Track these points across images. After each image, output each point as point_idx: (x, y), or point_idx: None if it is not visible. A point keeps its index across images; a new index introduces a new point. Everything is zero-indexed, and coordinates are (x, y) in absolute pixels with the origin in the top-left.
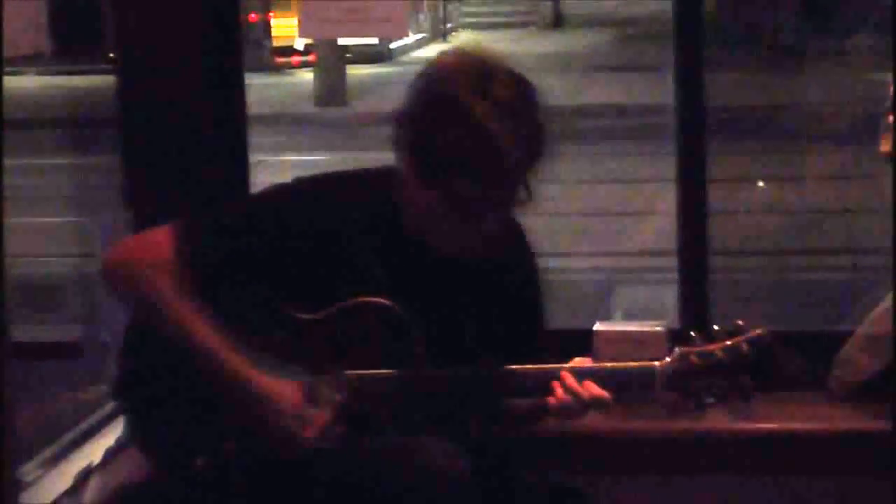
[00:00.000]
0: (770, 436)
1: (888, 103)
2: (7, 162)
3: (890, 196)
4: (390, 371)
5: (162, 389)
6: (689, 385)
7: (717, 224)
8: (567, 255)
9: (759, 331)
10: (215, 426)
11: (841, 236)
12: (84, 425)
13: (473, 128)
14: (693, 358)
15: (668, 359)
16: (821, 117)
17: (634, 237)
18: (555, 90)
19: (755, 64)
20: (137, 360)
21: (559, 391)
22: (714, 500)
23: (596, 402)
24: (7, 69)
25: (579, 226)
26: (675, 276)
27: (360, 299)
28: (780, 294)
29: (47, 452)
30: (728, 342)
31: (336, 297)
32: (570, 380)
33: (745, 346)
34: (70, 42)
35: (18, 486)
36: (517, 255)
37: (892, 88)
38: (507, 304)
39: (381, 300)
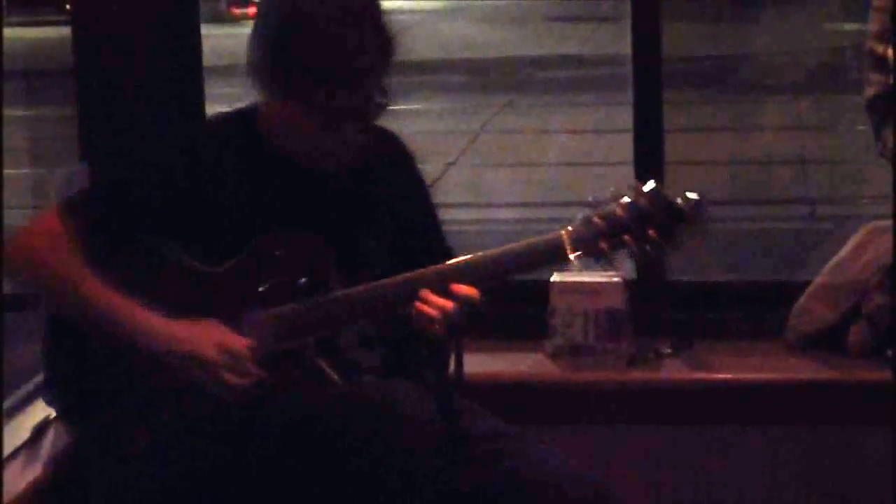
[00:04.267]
0: (727, 385)
1: (870, 45)
2: None
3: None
4: (304, 301)
5: (87, 371)
6: (598, 247)
7: (673, 174)
8: (525, 205)
9: (651, 183)
10: (147, 402)
11: (798, 186)
12: (40, 377)
13: (318, 33)
14: (596, 220)
15: (570, 227)
16: (777, 67)
17: (592, 188)
18: (512, 41)
19: (712, 13)
20: (60, 352)
21: (417, 304)
22: (671, 451)
23: (465, 301)
24: None
25: (538, 176)
26: None
27: (261, 237)
28: (738, 244)
29: (5, 405)
30: (625, 199)
31: (232, 240)
32: (428, 294)
33: (642, 200)
34: None
35: None
36: (395, 160)
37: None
38: (398, 209)
39: (279, 232)
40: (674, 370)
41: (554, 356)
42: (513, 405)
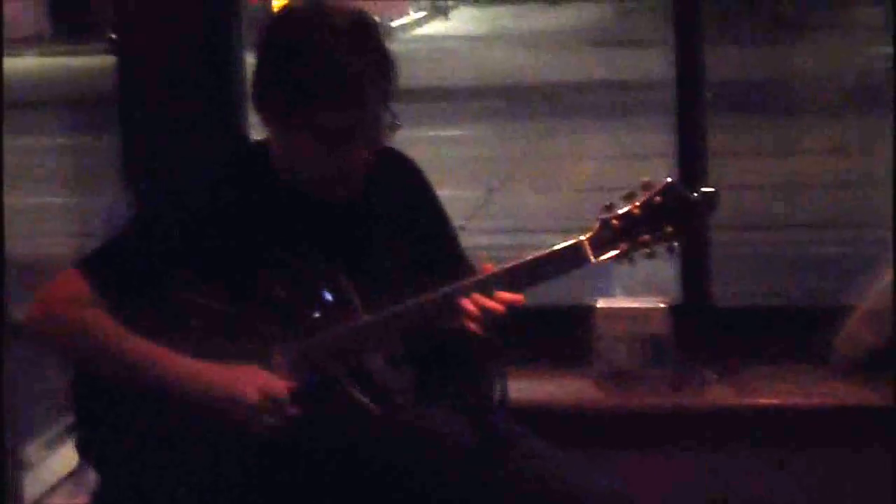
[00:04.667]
0: (773, 410)
1: None
2: (7, 142)
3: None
4: (331, 330)
5: (117, 417)
6: (618, 247)
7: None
8: (567, 231)
9: (667, 180)
10: (179, 450)
11: (841, 210)
12: None
13: (321, 55)
14: (614, 222)
15: (589, 234)
16: (820, 90)
17: None
18: (555, 66)
19: (754, 37)
20: (89, 410)
21: (465, 309)
22: (716, 475)
23: (511, 304)
24: (7, 51)
25: (578, 201)
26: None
27: (277, 271)
28: (781, 268)
29: (51, 433)
30: (642, 199)
31: (253, 278)
32: (470, 301)
33: (658, 198)
34: (70, 23)
35: (22, 467)
36: (404, 178)
37: None
38: (413, 231)
39: (300, 266)
40: (719, 395)
41: (598, 382)
42: (557, 431)
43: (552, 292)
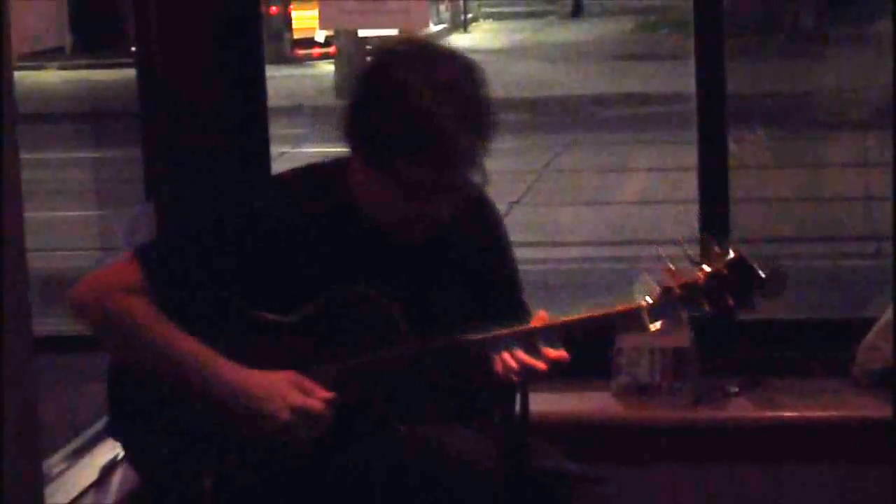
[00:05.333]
0: (795, 423)
1: None
2: (29, 156)
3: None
4: (374, 356)
5: (153, 414)
6: (676, 315)
7: (738, 211)
8: (590, 244)
9: (736, 253)
10: (212, 445)
11: (864, 223)
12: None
13: (417, 111)
14: (677, 291)
15: (650, 299)
16: (841, 104)
17: (658, 225)
18: (576, 80)
19: (775, 51)
20: (124, 387)
21: (498, 364)
22: (740, 489)
23: (555, 362)
24: (29, 64)
25: (602, 214)
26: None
27: (335, 291)
28: (803, 281)
29: (72, 446)
30: (708, 269)
31: (307, 294)
32: (512, 356)
33: (725, 270)
34: (91, 36)
35: (43, 480)
36: (479, 222)
37: None
38: (478, 274)
39: (355, 288)
40: (741, 409)
41: (620, 395)
42: (579, 444)
43: (574, 305)
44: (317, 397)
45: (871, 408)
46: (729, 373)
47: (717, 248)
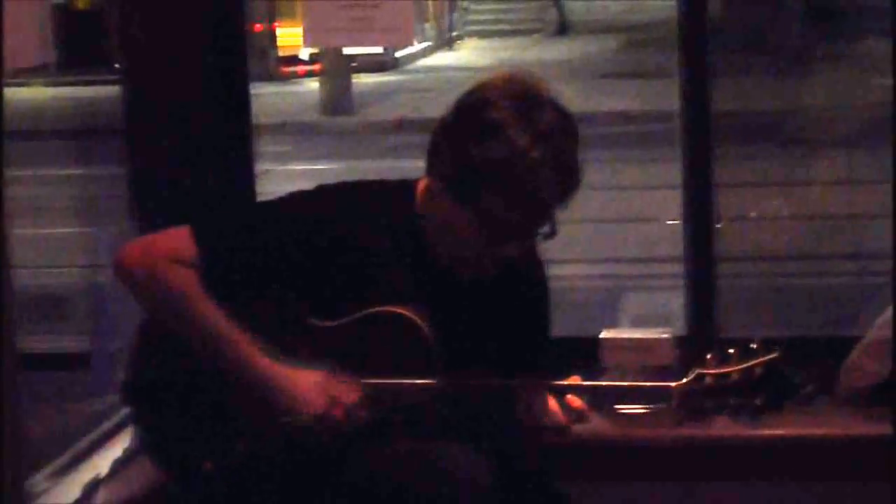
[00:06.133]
0: (778, 442)
1: None
2: (14, 173)
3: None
4: (407, 380)
5: (174, 393)
6: (701, 403)
7: (723, 230)
8: (574, 261)
9: (773, 354)
10: (228, 429)
11: (848, 242)
12: (93, 436)
13: (516, 155)
14: (709, 380)
15: (684, 380)
16: (828, 122)
17: (641, 244)
18: (561, 97)
19: (761, 69)
20: (148, 364)
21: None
22: None
23: (577, 416)
24: (13, 80)
25: (587, 232)
26: (682, 282)
27: (379, 308)
28: (787, 300)
29: (56, 463)
30: (743, 365)
31: (353, 305)
32: (550, 402)
33: (759, 370)
34: (76, 53)
35: (28, 497)
36: (532, 276)
37: None
38: (519, 323)
39: (400, 310)
40: (725, 426)
41: (605, 413)
42: (565, 462)
43: (558, 323)
44: (341, 405)
45: (854, 426)
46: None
47: (758, 351)
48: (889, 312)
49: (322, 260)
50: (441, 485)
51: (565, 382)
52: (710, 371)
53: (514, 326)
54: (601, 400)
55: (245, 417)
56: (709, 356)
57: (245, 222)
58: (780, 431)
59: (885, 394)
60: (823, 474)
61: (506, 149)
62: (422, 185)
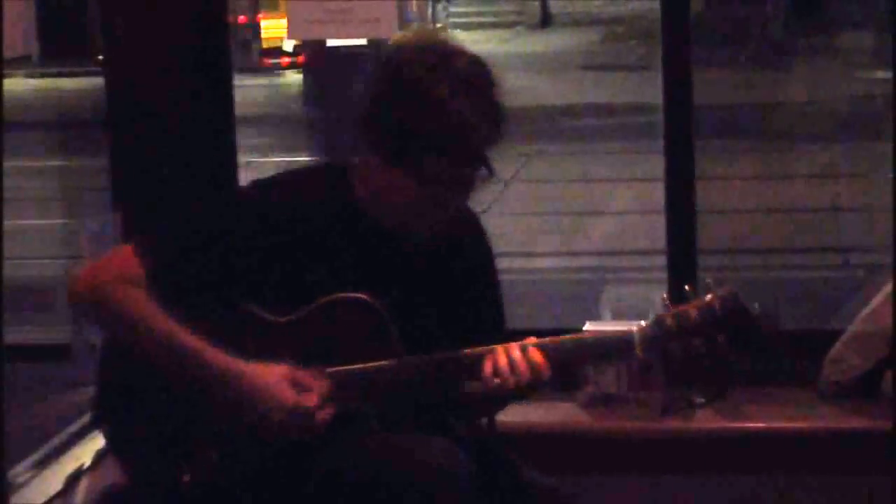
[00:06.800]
0: (760, 435)
1: None
2: None
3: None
4: (369, 364)
5: (140, 407)
6: (667, 347)
7: (705, 222)
8: (556, 254)
9: (728, 289)
10: (198, 438)
11: (830, 234)
12: (74, 427)
13: (439, 105)
14: (669, 321)
15: (643, 323)
16: (810, 115)
17: (623, 236)
18: (544, 90)
19: (743, 61)
20: (114, 378)
21: (487, 365)
22: (704, 500)
23: (536, 370)
24: None
25: (568, 225)
26: (663, 274)
27: (331, 297)
28: (769, 293)
29: (38, 454)
30: (700, 301)
31: (305, 295)
32: (503, 357)
33: (717, 305)
34: (58, 44)
35: (9, 488)
36: (474, 239)
37: None
38: (468, 287)
39: (353, 295)
40: (707, 419)
41: (586, 406)
42: (545, 455)
43: (540, 315)
44: (311, 394)
45: (836, 419)
46: (695, 383)
47: (714, 288)
48: (871, 306)
49: (265, 254)
50: (419, 476)
51: (525, 342)
52: (669, 312)
53: (466, 293)
54: (568, 365)
55: (215, 425)
56: (664, 297)
57: (185, 229)
58: (761, 424)
59: (867, 387)
60: (806, 467)
61: (428, 103)
62: (356, 168)
